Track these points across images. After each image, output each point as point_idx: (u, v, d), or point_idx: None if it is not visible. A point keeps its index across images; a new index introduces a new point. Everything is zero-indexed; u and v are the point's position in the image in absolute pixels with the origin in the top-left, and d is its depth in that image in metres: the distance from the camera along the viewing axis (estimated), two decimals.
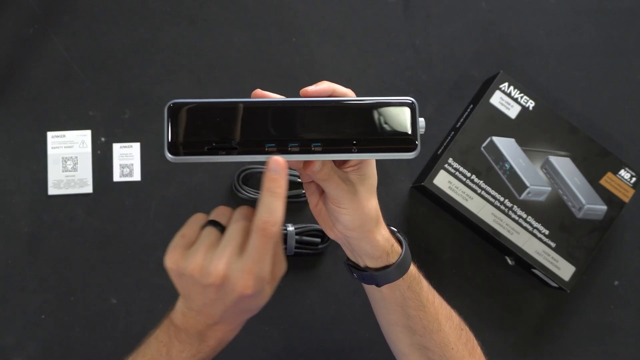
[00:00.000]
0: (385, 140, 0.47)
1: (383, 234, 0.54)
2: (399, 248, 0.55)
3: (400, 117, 0.47)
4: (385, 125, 0.47)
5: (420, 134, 0.47)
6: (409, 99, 0.47)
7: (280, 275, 0.46)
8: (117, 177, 0.84)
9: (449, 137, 0.85)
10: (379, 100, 0.47)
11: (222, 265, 0.43)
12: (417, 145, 0.47)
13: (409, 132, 0.47)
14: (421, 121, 0.47)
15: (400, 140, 0.47)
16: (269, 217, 0.43)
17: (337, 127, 0.47)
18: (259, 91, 0.48)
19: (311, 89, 0.47)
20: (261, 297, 0.45)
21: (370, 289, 0.58)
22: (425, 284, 0.58)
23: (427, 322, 0.57)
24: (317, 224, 0.83)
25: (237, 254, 0.44)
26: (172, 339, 0.50)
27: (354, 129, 0.47)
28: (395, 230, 0.58)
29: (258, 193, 0.83)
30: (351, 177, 0.51)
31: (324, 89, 0.47)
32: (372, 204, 0.52)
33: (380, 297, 0.58)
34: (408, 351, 0.59)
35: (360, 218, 0.52)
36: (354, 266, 0.57)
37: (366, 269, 0.56)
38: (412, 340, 0.58)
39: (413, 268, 0.56)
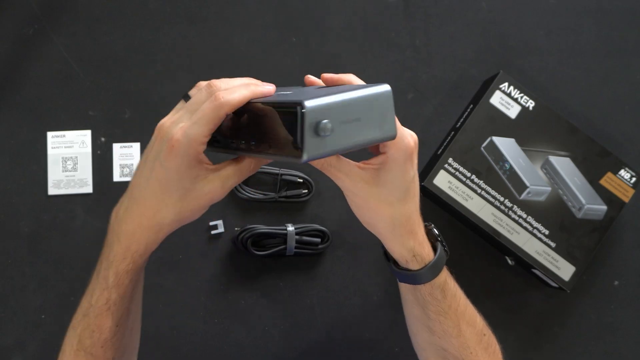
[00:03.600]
0: (278, 142, 0.46)
1: (405, 245, 0.53)
2: (426, 259, 0.54)
3: (292, 120, 0.44)
4: (279, 127, 0.46)
5: (325, 136, 0.44)
6: (299, 102, 0.44)
7: (196, 139, 0.47)
8: (117, 177, 0.84)
9: (449, 137, 0.85)
10: (277, 101, 0.47)
11: (170, 119, 0.49)
12: (301, 151, 0.44)
13: (295, 137, 0.44)
14: (324, 124, 0.44)
15: (290, 144, 0.45)
16: (227, 89, 0.47)
17: (250, 126, 0.49)
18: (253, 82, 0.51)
19: (328, 75, 0.52)
20: (183, 159, 0.47)
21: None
22: (450, 292, 0.56)
23: (446, 327, 0.56)
24: (317, 224, 0.84)
25: (188, 116, 0.48)
26: (101, 258, 0.53)
27: (254, 129, 0.48)
28: (440, 241, 0.56)
29: (257, 193, 0.83)
30: (366, 175, 0.50)
31: (332, 77, 0.52)
32: (385, 213, 0.51)
33: (404, 290, 0.58)
34: (426, 348, 0.59)
35: (369, 221, 0.52)
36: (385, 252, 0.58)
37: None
38: (431, 340, 0.58)
39: (438, 279, 0.55)
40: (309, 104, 0.43)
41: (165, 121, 0.49)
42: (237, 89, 0.47)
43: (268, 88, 0.49)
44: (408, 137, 0.50)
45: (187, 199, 0.49)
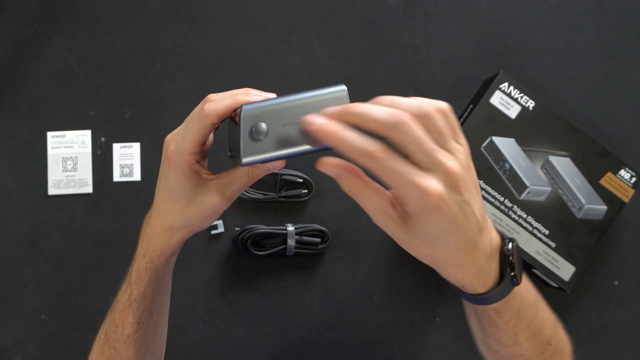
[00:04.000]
0: (233, 147, 0.48)
1: (453, 276, 0.45)
2: (479, 290, 0.46)
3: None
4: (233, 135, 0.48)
5: (260, 139, 0.44)
6: (241, 107, 0.44)
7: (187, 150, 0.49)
8: (117, 177, 0.84)
9: None
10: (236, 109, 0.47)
11: (171, 134, 0.51)
12: (239, 154, 0.45)
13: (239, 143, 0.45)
14: (257, 126, 0.44)
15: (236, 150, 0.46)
16: (215, 100, 0.48)
17: None
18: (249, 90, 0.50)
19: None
20: (178, 170, 0.50)
21: None
22: (510, 312, 0.48)
23: (500, 337, 0.50)
24: (317, 224, 0.84)
25: (183, 128, 0.50)
26: (130, 266, 0.57)
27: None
28: (510, 265, 0.46)
29: (257, 193, 0.83)
30: (395, 216, 0.43)
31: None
32: (424, 253, 0.44)
33: None
34: (480, 339, 0.55)
35: (408, 250, 0.45)
36: None
37: None
38: (484, 339, 0.54)
39: (498, 305, 0.47)
40: (246, 107, 0.44)
41: (169, 134, 0.52)
42: (224, 99, 0.48)
43: (255, 97, 0.48)
44: (429, 186, 0.39)
45: (190, 206, 0.52)
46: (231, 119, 0.49)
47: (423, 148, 0.40)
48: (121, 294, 0.58)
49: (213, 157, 0.56)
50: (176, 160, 0.49)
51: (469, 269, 0.45)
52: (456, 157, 0.41)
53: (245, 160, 0.44)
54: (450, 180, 0.40)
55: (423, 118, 0.41)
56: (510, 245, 0.46)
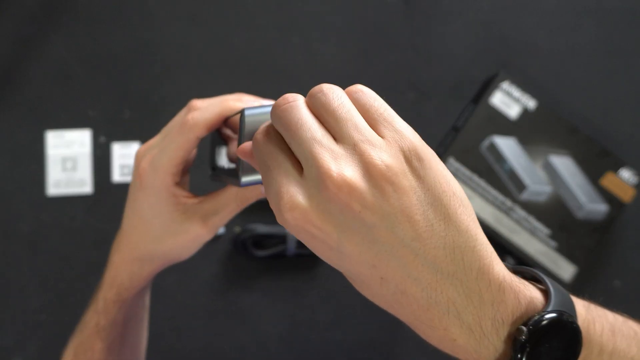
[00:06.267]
0: (216, 165, 0.41)
1: (422, 334, 0.32)
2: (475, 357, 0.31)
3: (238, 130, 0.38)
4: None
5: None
6: (242, 110, 0.36)
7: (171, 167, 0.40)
8: (117, 177, 0.84)
9: (449, 137, 0.85)
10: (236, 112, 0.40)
11: (147, 144, 0.42)
12: (239, 168, 0.36)
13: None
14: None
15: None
16: (201, 108, 0.39)
17: None
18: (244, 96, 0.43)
19: None
20: (151, 192, 0.41)
21: None
22: None
23: None
24: None
25: (160, 140, 0.42)
26: (98, 289, 0.49)
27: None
28: (520, 344, 0.30)
29: None
30: None
31: None
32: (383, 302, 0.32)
33: None
34: None
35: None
36: None
37: None
38: None
39: None
40: (249, 111, 0.36)
41: (142, 146, 0.43)
42: (212, 107, 0.40)
43: (251, 104, 0.40)
44: (283, 193, 0.30)
45: (166, 236, 0.43)
46: (218, 132, 0.42)
47: (295, 136, 0.28)
48: (88, 317, 0.50)
49: (195, 176, 0.55)
50: (149, 181, 0.40)
51: (427, 333, 0.31)
52: (357, 151, 0.27)
53: (244, 179, 0.36)
54: (327, 191, 0.27)
55: (309, 98, 0.30)
56: (529, 325, 0.30)
